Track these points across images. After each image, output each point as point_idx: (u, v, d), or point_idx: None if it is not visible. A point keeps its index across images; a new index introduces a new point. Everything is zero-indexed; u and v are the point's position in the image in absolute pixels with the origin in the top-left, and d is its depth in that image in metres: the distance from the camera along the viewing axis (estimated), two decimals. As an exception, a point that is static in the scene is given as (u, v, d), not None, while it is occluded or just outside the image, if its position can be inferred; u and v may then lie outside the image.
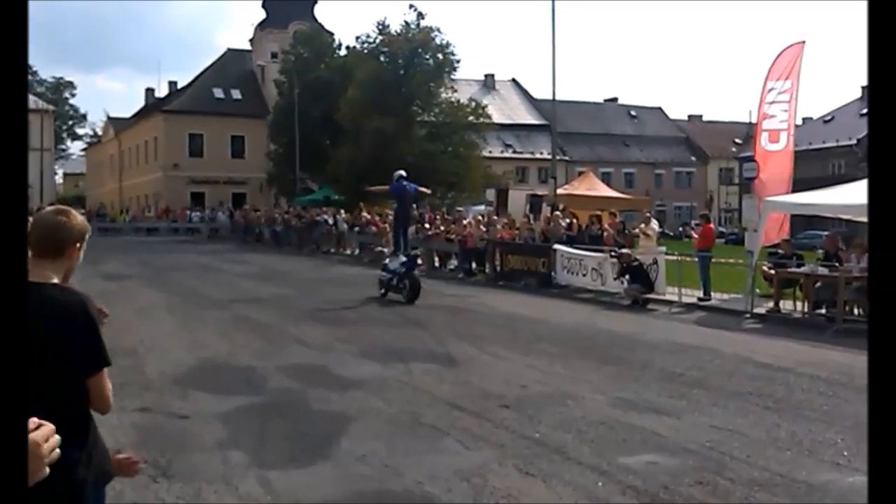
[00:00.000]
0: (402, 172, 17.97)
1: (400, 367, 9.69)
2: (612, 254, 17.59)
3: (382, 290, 16.86)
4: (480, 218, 25.21)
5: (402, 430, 7.02)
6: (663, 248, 18.14)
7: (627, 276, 16.82)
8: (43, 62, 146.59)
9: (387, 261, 17.56)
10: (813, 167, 45.56)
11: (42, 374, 2.55)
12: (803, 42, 16.85)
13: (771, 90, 16.62)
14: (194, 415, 7.44)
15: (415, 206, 19.19)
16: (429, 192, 19.04)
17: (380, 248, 25.54)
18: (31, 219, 2.87)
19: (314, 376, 9.20)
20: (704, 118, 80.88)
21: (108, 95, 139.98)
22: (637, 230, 19.72)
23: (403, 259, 16.76)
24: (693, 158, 74.89)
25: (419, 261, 17.97)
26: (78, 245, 2.84)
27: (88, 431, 2.74)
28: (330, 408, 7.75)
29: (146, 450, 6.27)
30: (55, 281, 2.72)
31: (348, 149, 43.24)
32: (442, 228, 25.97)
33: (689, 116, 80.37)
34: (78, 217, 2.89)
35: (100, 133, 79.39)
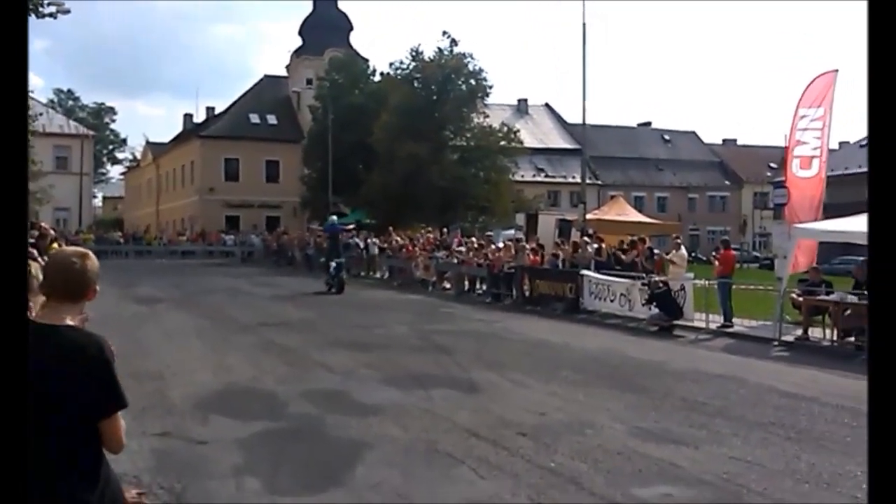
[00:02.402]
0: (334, 217, 25.36)
1: (420, 394, 9.70)
2: (643, 282, 17.48)
3: (327, 287, 24.47)
4: (509, 243, 25.18)
5: (418, 458, 7.02)
6: (691, 275, 18.00)
7: (654, 304, 16.70)
8: (86, 88, 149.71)
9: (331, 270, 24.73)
10: (848, 192, 44.90)
11: (57, 416, 2.63)
12: (836, 71, 16.75)
13: (803, 117, 16.51)
14: (213, 440, 7.50)
15: (341, 236, 26.72)
16: (351, 227, 24.87)
17: (418, 275, 27.81)
18: (48, 259, 2.98)
19: (335, 402, 9.24)
20: (739, 142, 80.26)
21: (147, 121, 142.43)
22: (667, 256, 19.52)
23: (334, 265, 24.68)
24: (727, 183, 74.23)
25: (344, 270, 24.95)
26: (96, 288, 2.93)
27: (101, 471, 2.80)
28: (348, 434, 7.77)
29: (162, 475, 6.35)
30: (70, 323, 2.80)
31: (381, 173, 43.57)
32: (470, 254, 25.99)
33: (724, 140, 79.79)
34: (94, 259, 2.97)
35: (139, 157, 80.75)
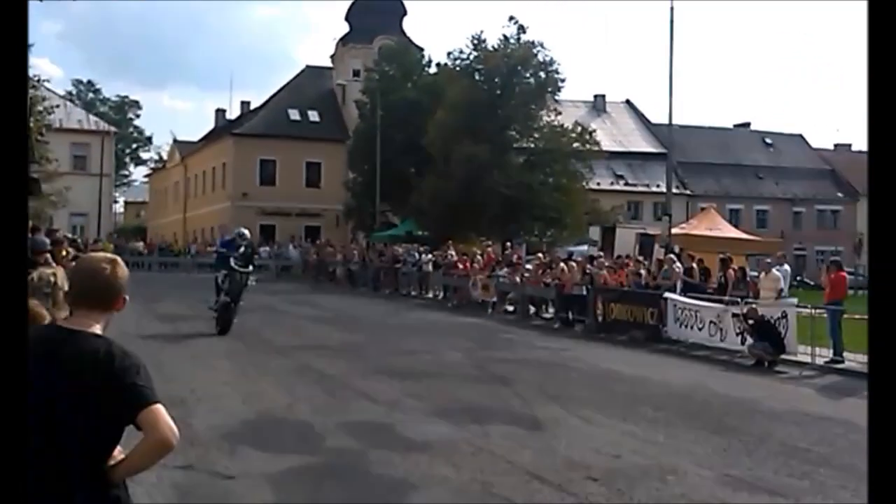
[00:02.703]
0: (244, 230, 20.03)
1: (475, 429, 9.74)
2: (739, 312, 17.28)
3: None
4: (581, 259, 25.15)
5: (471, 502, 7.05)
6: (794, 300, 17.74)
7: (755, 334, 16.44)
8: (103, 77, 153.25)
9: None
10: None
11: (77, 426, 2.79)
12: None
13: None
14: (241, 475, 7.64)
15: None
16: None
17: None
18: (75, 265, 3.15)
19: (378, 436, 9.33)
20: (854, 147, 78.79)
21: (174, 116, 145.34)
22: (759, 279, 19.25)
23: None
24: (839, 194, 72.85)
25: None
26: (126, 297, 3.09)
27: (120, 493, 2.95)
28: (392, 472, 7.85)
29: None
30: (98, 331, 2.96)
31: (435, 178, 43.75)
32: (537, 272, 25.99)
33: (836, 146, 78.40)
34: (124, 267, 3.14)
35: (164, 157, 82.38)
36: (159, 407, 2.93)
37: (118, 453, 2.99)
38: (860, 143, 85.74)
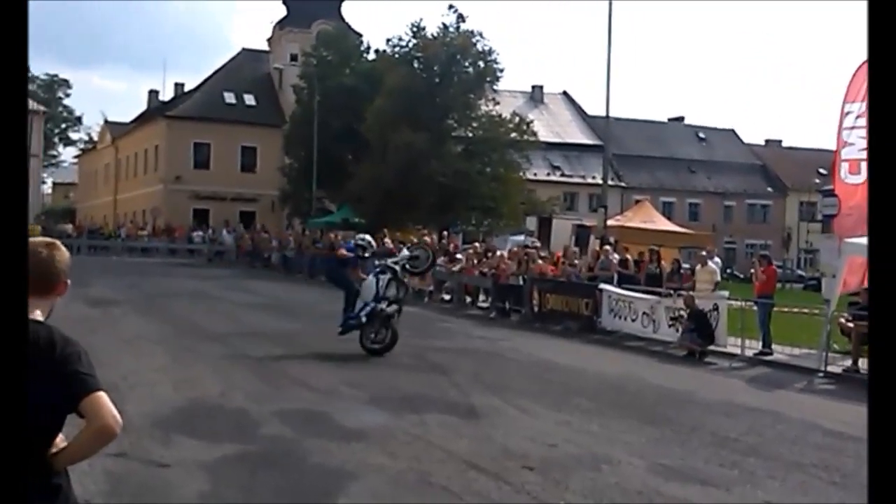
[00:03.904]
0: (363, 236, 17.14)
1: (412, 418, 9.75)
2: (672, 305, 17.56)
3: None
4: (517, 250, 25.30)
5: (408, 491, 7.08)
6: (725, 293, 18.08)
7: (689, 324, 16.68)
8: (34, 56, 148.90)
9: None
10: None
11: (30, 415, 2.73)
12: None
13: (848, 114, 16.56)
14: (176, 463, 7.56)
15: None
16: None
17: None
18: None
19: (314, 424, 9.30)
20: (784, 143, 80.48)
21: (105, 96, 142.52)
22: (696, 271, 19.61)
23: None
24: (770, 189, 74.46)
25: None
26: (67, 281, 3.02)
27: (61, 483, 2.90)
28: (328, 461, 7.83)
29: (117, 500, 6.40)
30: (39, 318, 2.90)
31: (373, 165, 43.61)
32: (473, 262, 26.09)
33: (767, 141, 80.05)
34: (64, 250, 3.07)
35: (95, 139, 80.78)
36: (102, 394, 2.89)
37: (60, 441, 2.94)
38: (791, 139, 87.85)
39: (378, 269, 15.64)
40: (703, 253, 20.04)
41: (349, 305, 15.27)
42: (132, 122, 72.42)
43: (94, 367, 2.92)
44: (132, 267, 37.77)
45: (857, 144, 16.59)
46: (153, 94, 73.58)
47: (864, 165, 16.73)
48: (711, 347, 16.59)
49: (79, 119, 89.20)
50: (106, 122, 75.78)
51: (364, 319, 14.83)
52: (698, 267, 19.18)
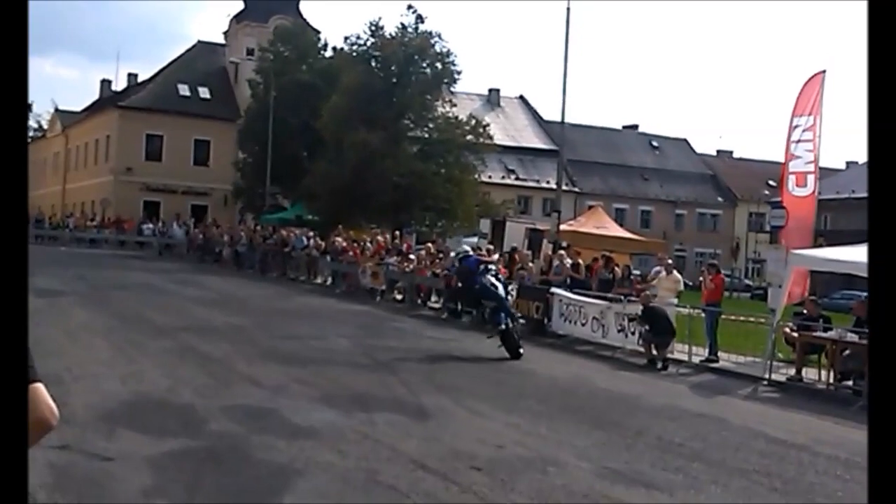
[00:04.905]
0: (467, 248, 19.01)
1: (361, 417, 9.74)
2: (623, 299, 17.67)
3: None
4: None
5: (355, 490, 7.06)
6: (674, 300, 18.28)
7: (643, 324, 16.68)
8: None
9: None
10: (854, 218, 45.92)
11: None
12: (823, 71, 17.12)
13: (796, 127, 16.89)
14: (120, 457, 7.47)
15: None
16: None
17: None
18: None
19: (262, 421, 9.24)
20: (735, 154, 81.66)
21: (56, 84, 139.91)
22: (655, 280, 19.67)
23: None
24: (720, 199, 75.52)
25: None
26: None
27: None
28: (275, 458, 7.79)
29: (60, 493, 6.32)
30: None
31: (327, 163, 43.45)
32: (428, 262, 26.12)
33: (718, 151, 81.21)
34: None
35: (45, 127, 79.56)
36: (40, 386, 2.84)
37: None
38: (741, 150, 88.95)
39: (491, 273, 16.88)
40: (670, 261, 20.24)
41: (500, 311, 16.13)
42: (83, 111, 71.41)
43: (33, 358, 2.88)
44: (80, 258, 37.21)
45: (804, 157, 16.93)
46: (106, 83, 72.66)
47: (810, 178, 17.07)
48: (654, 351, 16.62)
49: (29, 106, 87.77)
50: (56, 110, 74.69)
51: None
52: (662, 274, 19.31)
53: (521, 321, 17.20)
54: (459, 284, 18.80)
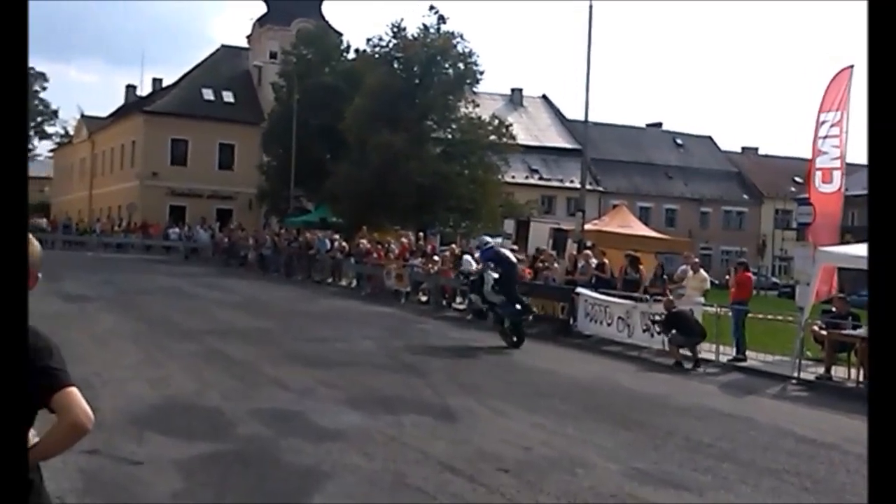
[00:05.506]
0: (487, 238, 19.95)
1: (388, 419, 9.75)
2: (650, 299, 17.59)
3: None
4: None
5: (383, 492, 7.08)
6: (701, 299, 18.17)
7: (668, 327, 16.58)
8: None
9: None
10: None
11: None
12: (851, 66, 16.95)
13: (823, 123, 16.74)
14: (149, 461, 7.52)
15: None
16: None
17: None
18: None
19: (289, 423, 9.27)
20: (760, 151, 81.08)
21: (82, 90, 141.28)
22: (684, 279, 19.54)
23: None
24: (745, 196, 74.98)
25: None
26: (38, 274, 3.00)
27: (32, 477, 2.88)
28: (303, 461, 7.81)
29: (90, 498, 6.36)
30: None
31: (351, 165, 43.53)
32: (452, 263, 26.11)
33: (743, 149, 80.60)
34: (36, 244, 3.04)
35: (71, 133, 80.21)
36: (74, 390, 2.87)
37: (31, 437, 2.91)
38: (766, 146, 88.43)
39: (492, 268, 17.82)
40: (696, 260, 20.13)
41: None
42: (109, 116, 71.89)
43: (65, 363, 2.90)
44: (107, 263, 37.51)
45: (831, 153, 16.79)
46: (130, 88, 73.13)
47: (836, 174, 16.92)
48: (685, 352, 16.50)
49: (55, 113, 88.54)
50: (82, 116, 75.27)
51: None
52: (690, 273, 19.23)
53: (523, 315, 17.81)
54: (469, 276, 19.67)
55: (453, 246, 30.01)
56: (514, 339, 17.30)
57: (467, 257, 22.05)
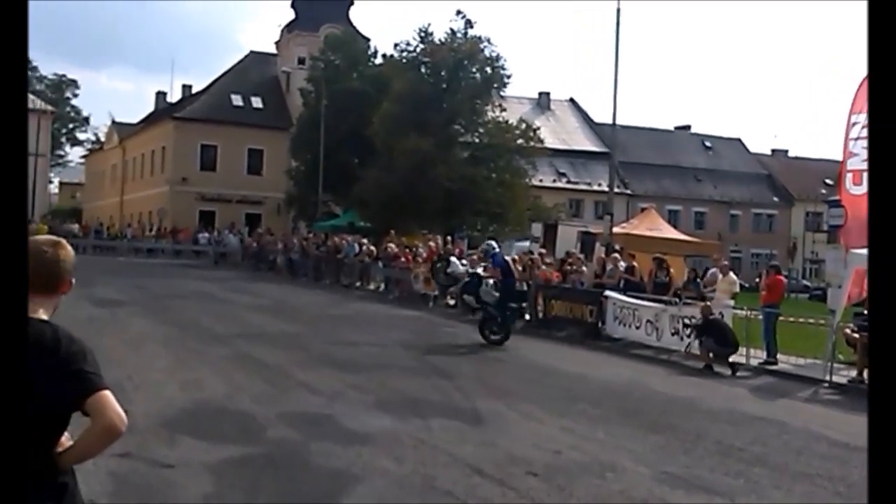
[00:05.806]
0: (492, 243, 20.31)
1: (417, 422, 9.75)
2: (678, 302, 17.48)
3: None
4: (522, 256, 25.28)
5: (413, 495, 7.07)
6: (731, 302, 18.03)
7: (705, 334, 16.39)
8: (43, 55, 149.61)
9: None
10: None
11: (28, 410, 2.72)
12: None
13: (854, 124, 16.58)
14: (180, 464, 7.56)
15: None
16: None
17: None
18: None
19: (319, 427, 9.30)
20: (790, 153, 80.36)
21: (113, 97, 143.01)
22: (714, 282, 19.41)
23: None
24: (775, 199, 74.32)
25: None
26: (72, 280, 3.03)
27: (67, 480, 2.90)
28: (332, 464, 7.83)
29: (122, 500, 6.41)
30: (44, 316, 2.90)
31: (379, 170, 43.61)
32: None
33: (773, 151, 79.89)
34: (70, 249, 3.07)
35: (102, 139, 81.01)
36: (107, 393, 2.89)
37: (66, 440, 2.94)
38: (796, 148, 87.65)
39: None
40: (725, 262, 20.02)
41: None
42: (139, 122, 72.60)
43: (99, 366, 2.92)
44: (138, 268, 37.85)
45: (861, 155, 16.61)
46: (161, 95, 73.84)
47: (866, 176, 16.74)
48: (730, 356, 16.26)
49: (86, 119, 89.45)
50: (113, 122, 76.03)
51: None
52: (720, 276, 19.10)
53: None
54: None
55: (480, 249, 29.95)
56: (502, 336, 17.67)
57: (454, 260, 22.99)
